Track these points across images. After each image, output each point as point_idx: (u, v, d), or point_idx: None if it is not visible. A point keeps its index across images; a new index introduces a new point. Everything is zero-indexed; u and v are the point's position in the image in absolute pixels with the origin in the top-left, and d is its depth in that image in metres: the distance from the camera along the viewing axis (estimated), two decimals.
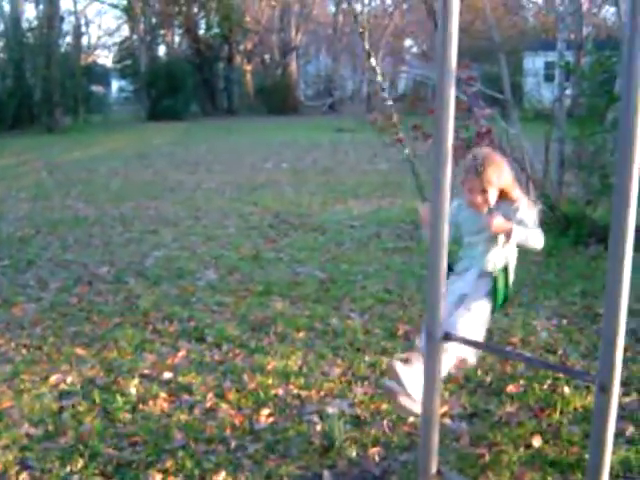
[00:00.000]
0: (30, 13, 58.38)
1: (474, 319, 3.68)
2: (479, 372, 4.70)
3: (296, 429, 4.04)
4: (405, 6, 45.64)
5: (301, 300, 6.38)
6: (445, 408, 4.13)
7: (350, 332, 5.49)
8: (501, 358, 4.82)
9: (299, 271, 7.38)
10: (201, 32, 44.64)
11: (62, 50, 36.59)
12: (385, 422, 4.08)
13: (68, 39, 39.59)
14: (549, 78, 21.23)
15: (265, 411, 4.26)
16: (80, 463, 3.72)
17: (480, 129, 8.13)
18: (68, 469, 3.68)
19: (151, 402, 4.41)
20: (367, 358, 5.00)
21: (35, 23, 35.71)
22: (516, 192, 3.78)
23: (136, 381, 4.70)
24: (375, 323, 5.73)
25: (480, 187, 3.69)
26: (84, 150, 21.91)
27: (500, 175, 3.71)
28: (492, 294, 3.76)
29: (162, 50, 46.95)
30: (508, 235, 3.62)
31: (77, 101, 35.33)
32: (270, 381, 4.65)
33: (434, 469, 3.08)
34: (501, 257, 3.77)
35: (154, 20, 44.18)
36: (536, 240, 3.71)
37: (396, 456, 3.75)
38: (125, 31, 47.37)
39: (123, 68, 45.26)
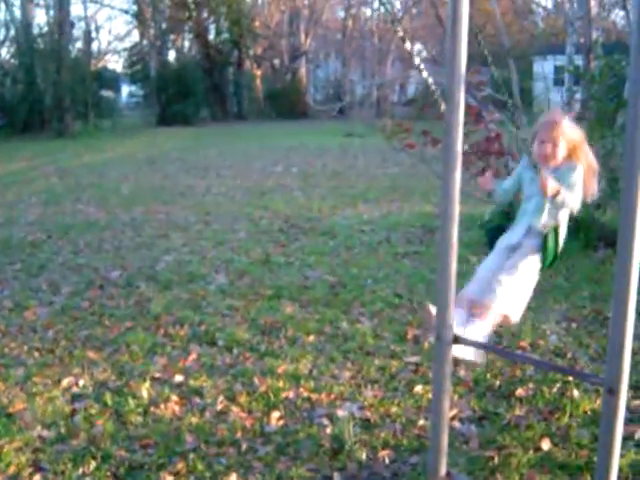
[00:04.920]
0: (41, 19, 58.63)
1: (521, 278, 3.82)
2: (488, 375, 4.72)
3: (306, 432, 4.06)
4: (414, 11, 45.61)
5: (311, 304, 6.41)
6: (454, 411, 4.15)
7: (360, 336, 5.51)
8: (510, 362, 4.84)
9: (309, 275, 7.40)
10: (211, 37, 44.71)
11: (72, 55, 36.65)
12: (395, 425, 4.10)
13: (78, 44, 39.70)
14: (558, 82, 21.18)
15: (275, 414, 4.29)
16: (92, 465, 3.75)
17: (489, 134, 8.14)
18: (80, 471, 3.71)
19: (162, 405, 4.44)
20: (377, 362, 5.02)
21: (45, 29, 35.85)
22: (582, 153, 3.83)
23: (147, 384, 4.73)
24: (385, 327, 5.75)
25: (552, 139, 3.76)
26: (94, 155, 21.99)
27: (573, 131, 3.80)
28: (541, 251, 3.85)
29: (172, 55, 47.13)
30: (555, 196, 3.63)
31: (87, 106, 35.37)
32: (280, 384, 4.67)
33: (443, 471, 3.11)
34: (553, 216, 3.81)
35: (164, 25, 44.28)
36: (573, 203, 3.71)
37: (406, 459, 3.77)
38: (135, 36, 47.57)
39: (133, 73, 45.27)
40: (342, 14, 52.04)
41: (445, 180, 2.84)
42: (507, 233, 3.99)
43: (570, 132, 3.80)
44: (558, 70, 22.80)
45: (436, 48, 43.43)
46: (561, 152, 3.79)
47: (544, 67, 26.40)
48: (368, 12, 51.80)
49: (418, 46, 51.85)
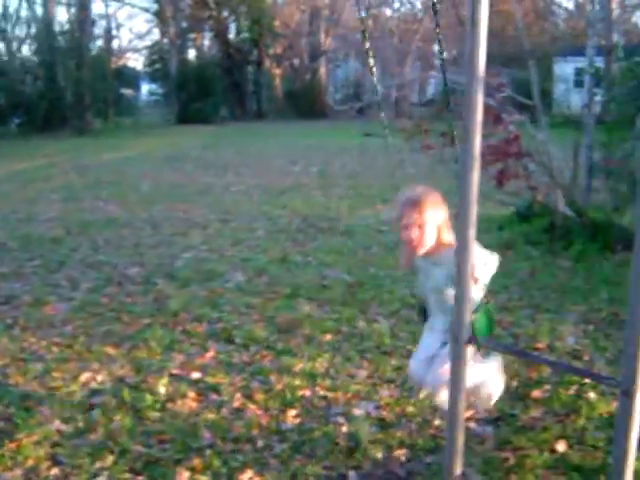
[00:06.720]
0: (62, 16, 58.94)
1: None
2: (504, 377, 4.72)
3: (322, 430, 4.08)
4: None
5: (328, 303, 6.42)
6: (470, 412, 4.16)
7: (377, 335, 5.53)
8: (526, 363, 4.84)
9: (327, 274, 7.41)
10: (231, 36, 44.82)
11: (93, 53, 36.91)
12: (411, 424, 4.11)
13: (99, 42, 40.01)
14: (579, 84, 21.14)
15: (292, 412, 4.31)
16: (110, 459, 3.79)
17: (509, 135, 8.13)
18: (98, 465, 3.74)
19: (179, 401, 4.48)
20: (393, 361, 5.03)
21: (67, 26, 36.09)
22: (447, 234, 3.53)
23: (165, 380, 4.77)
24: (402, 327, 5.76)
25: (417, 222, 3.45)
26: (114, 152, 22.09)
27: (437, 211, 3.50)
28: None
29: (192, 54, 47.27)
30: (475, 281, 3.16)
31: (107, 104, 35.63)
32: (297, 382, 4.70)
33: (459, 471, 3.12)
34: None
35: (184, 24, 44.43)
36: (494, 266, 3.44)
37: (421, 458, 3.78)
38: (155, 35, 47.68)
39: (153, 71, 45.41)
40: (362, 14, 51.94)
41: (463, 181, 2.84)
42: (427, 333, 3.74)
43: (434, 213, 3.47)
44: (579, 72, 22.74)
45: (456, 48, 43.28)
46: (430, 236, 3.46)
47: (565, 69, 26.48)
48: (388, 12, 51.81)
49: (437, 46, 51.71)
